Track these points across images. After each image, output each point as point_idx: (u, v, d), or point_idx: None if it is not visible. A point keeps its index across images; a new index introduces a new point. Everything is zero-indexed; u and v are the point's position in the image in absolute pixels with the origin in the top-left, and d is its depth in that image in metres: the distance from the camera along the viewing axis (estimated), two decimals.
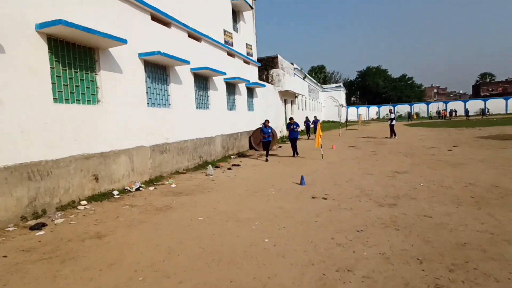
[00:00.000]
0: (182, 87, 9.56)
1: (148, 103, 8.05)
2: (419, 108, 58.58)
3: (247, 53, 15.63)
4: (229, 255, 3.54)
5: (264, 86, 16.67)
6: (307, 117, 22.08)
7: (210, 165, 9.35)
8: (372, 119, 61.29)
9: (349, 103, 73.86)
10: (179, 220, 4.90)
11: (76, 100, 5.94)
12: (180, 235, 4.25)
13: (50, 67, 5.38)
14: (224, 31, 12.93)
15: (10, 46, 4.70)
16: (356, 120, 52.57)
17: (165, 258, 3.54)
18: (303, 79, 32.77)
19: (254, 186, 7.17)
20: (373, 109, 63.84)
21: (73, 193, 5.75)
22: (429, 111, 55.73)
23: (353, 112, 61.99)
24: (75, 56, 5.91)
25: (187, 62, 8.97)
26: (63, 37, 5.59)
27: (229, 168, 9.84)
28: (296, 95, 26.71)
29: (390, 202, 5.34)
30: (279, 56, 22.71)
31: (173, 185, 7.56)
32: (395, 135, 18.32)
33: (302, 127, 21.20)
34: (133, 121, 7.36)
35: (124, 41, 6.32)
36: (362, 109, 63.42)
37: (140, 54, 7.61)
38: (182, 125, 9.48)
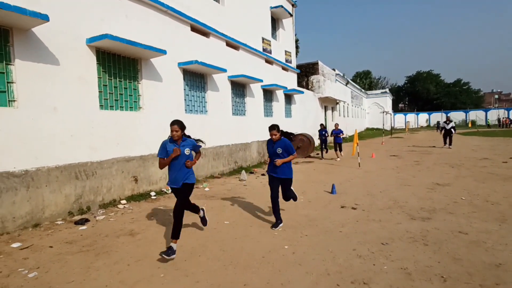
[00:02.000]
0: (219, 94, 9.92)
1: (185, 110, 8.50)
2: (476, 115, 53.30)
3: (286, 60, 15.71)
4: (247, 259, 3.59)
5: (302, 92, 16.57)
6: (322, 125, 14.26)
7: (243, 171, 9.53)
8: (422, 126, 57.19)
9: (396, 109, 69.85)
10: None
11: (120, 107, 6.51)
12: (205, 237, 4.41)
13: (98, 77, 5.99)
14: (263, 39, 13.18)
15: (64, 59, 5.35)
16: (404, 127, 49.52)
17: (187, 258, 3.70)
18: (346, 85, 31.88)
19: None
20: (423, 116, 59.55)
21: (115, 192, 6.27)
22: (488, 119, 50.43)
23: (400, 119, 58.48)
24: (120, 66, 6.50)
25: (224, 70, 9.32)
26: (110, 50, 6.20)
27: (263, 174, 9.92)
28: (338, 101, 26.05)
29: (424, 216, 4.97)
30: (319, 62, 22.43)
31: (206, 189, 7.84)
32: (450, 144, 16.47)
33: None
34: None
35: (164, 52, 6.80)
36: (410, 116, 59.52)
37: (179, 64, 8.10)
38: (218, 131, 9.82)
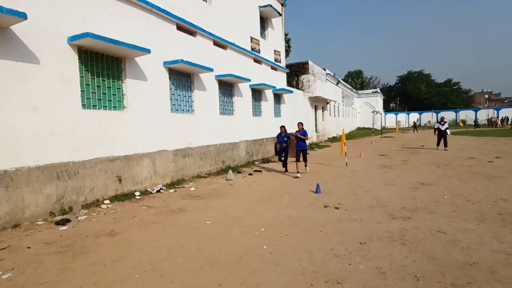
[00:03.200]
0: (206, 94, 9.90)
1: (172, 109, 8.45)
2: (466, 115, 54.22)
3: (275, 60, 15.74)
4: (225, 260, 3.60)
5: (291, 92, 16.63)
6: (282, 127, 10.08)
7: (230, 170, 9.52)
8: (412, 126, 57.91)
9: (387, 109, 70.60)
10: (188, 222, 5.07)
11: (103, 106, 6.45)
12: (184, 237, 4.40)
13: (80, 76, 5.92)
14: (251, 38, 13.18)
15: (45, 58, 5.27)
16: (395, 127, 50.07)
17: (164, 258, 3.69)
18: (336, 84, 32.09)
19: (269, 192, 7.18)
20: (414, 116, 60.32)
21: (98, 192, 6.22)
22: (477, 118, 51.39)
23: (391, 119, 59.11)
24: (103, 65, 6.43)
25: (211, 70, 9.29)
26: (92, 48, 6.13)
27: (250, 174, 9.94)
28: (328, 101, 26.22)
29: (404, 215, 5.05)
30: (310, 62, 22.53)
31: (192, 189, 7.83)
32: (446, 146, 15.35)
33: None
34: (156, 126, 7.78)
35: (148, 51, 6.75)
36: (401, 116, 60.24)
37: (165, 63, 8.05)
38: (206, 130, 9.80)
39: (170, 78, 8.37)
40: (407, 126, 58.33)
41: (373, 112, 34.53)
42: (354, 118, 45.49)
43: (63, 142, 5.54)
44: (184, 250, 3.90)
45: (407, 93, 73.89)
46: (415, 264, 3.32)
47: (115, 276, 3.27)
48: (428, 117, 57.40)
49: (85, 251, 3.95)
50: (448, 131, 15.66)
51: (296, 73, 22.48)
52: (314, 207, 5.80)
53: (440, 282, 2.94)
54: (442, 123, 15.70)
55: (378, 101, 51.13)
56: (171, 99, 8.42)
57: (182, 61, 7.96)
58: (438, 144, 16.07)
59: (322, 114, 25.47)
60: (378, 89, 55.32)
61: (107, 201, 6.30)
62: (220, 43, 10.70)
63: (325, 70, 26.91)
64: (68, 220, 5.19)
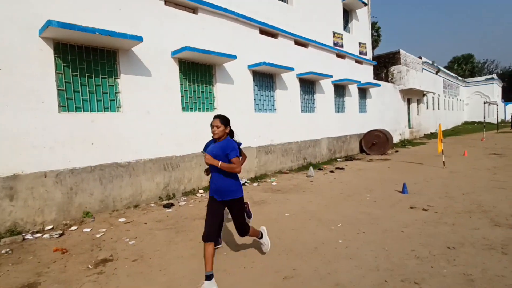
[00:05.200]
0: (287, 93, 10.24)
1: (255, 109, 9.09)
2: None
3: (360, 52, 15.00)
4: (300, 249, 3.85)
5: (379, 85, 15.57)
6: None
7: (311, 167, 9.65)
8: None
9: (508, 99, 58.12)
10: (269, 213, 5.50)
11: (198, 108, 7.46)
12: (265, 225, 4.80)
13: (180, 84, 7.01)
14: (334, 33, 12.91)
15: (155, 71, 6.46)
16: None
17: (247, 242, 4.17)
18: (436, 73, 28.25)
19: (350, 190, 7.06)
20: None
21: (194, 183, 7.25)
22: None
23: None
24: (197, 73, 7.44)
25: (292, 69, 9.58)
26: (189, 59, 7.16)
27: (332, 171, 9.86)
28: (424, 93, 23.40)
29: None
30: (401, 51, 20.54)
31: (273, 183, 8.30)
32: None
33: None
34: (242, 125, 8.48)
35: (234, 57, 7.47)
36: None
37: (249, 66, 8.71)
38: (287, 128, 10.16)
39: (253, 80, 9.02)
40: None
41: (485, 103, 29.02)
42: (459, 111, 39.20)
43: (167, 140, 6.69)
44: None
45: None
46: None
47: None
48: None
49: (185, 230, 4.76)
50: None
51: (385, 64, 20.81)
52: (398, 207, 5.49)
53: None
54: None
55: (494, 89, 42.63)
56: (254, 99, 9.06)
57: (264, 63, 8.48)
58: None
59: (417, 107, 22.89)
60: (494, 75, 46.04)
61: (201, 191, 7.29)
62: (301, 42, 10.88)
63: (421, 58, 24.06)
64: (172, 204, 6.26)
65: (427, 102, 25.06)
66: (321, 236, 4.25)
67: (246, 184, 8.17)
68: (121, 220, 5.29)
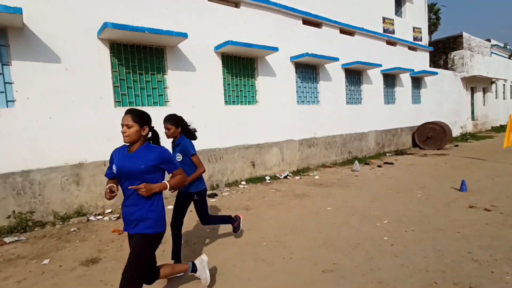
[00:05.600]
0: (332, 84, 9.88)
1: (297, 101, 8.94)
2: None
3: (414, 38, 13.83)
4: (342, 243, 3.73)
5: (436, 73, 14.23)
6: (169, 119, 3.30)
7: (357, 161, 9.24)
8: None
9: None
10: (310, 207, 5.41)
11: (240, 102, 7.57)
12: (306, 218, 4.77)
13: (223, 78, 7.17)
14: (383, 18, 12.08)
15: (199, 66, 6.70)
16: None
17: (287, 233, 4.16)
18: (509, 57, 24.84)
19: (399, 186, 6.63)
20: None
21: (236, 174, 7.42)
22: None
23: None
24: (240, 66, 7.53)
25: (336, 60, 9.20)
26: (231, 53, 7.28)
27: (379, 166, 9.34)
28: (493, 80, 20.83)
29: None
30: (464, 34, 18.47)
31: (316, 177, 8.13)
32: None
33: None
34: (284, 117, 8.45)
35: (276, 49, 7.41)
36: None
37: (292, 58, 8.57)
38: (331, 120, 9.83)
39: (296, 72, 8.86)
40: None
41: None
42: None
43: (212, 132, 6.91)
44: (304, 229, 4.26)
45: None
46: None
47: (248, 240, 3.98)
48: None
49: None
50: None
51: (444, 50, 18.93)
52: (454, 206, 5.01)
53: None
54: None
55: None
56: (297, 91, 8.91)
57: (307, 54, 8.28)
58: None
59: (484, 97, 20.51)
60: None
61: (243, 182, 7.43)
62: (346, 30, 10.37)
63: (489, 41, 21.37)
64: (215, 194, 6.49)
65: (496, 91, 22.30)
66: (365, 232, 4.06)
67: (288, 177, 8.13)
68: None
